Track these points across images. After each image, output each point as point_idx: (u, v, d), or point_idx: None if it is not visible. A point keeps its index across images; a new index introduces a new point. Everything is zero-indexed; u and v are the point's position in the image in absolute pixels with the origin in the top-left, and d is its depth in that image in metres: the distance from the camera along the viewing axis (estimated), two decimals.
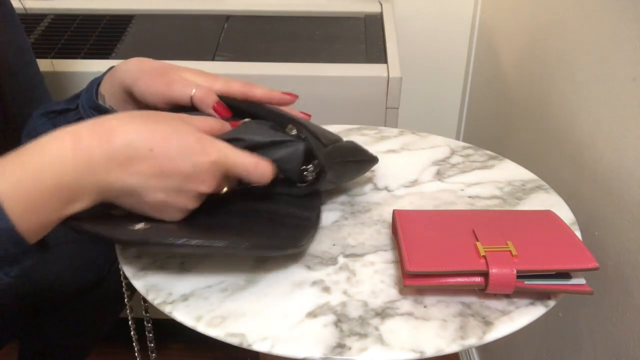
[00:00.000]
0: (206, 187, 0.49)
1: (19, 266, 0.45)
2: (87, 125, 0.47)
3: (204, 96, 0.55)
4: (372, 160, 0.64)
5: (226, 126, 0.54)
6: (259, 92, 0.58)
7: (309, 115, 0.60)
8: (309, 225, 0.56)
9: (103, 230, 0.50)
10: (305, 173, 0.55)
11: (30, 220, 0.44)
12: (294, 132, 0.55)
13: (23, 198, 0.43)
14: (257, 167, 0.51)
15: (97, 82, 0.61)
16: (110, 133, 0.46)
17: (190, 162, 0.48)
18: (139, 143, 0.46)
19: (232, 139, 0.52)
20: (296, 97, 0.60)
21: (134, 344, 0.63)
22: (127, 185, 0.47)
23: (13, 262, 0.45)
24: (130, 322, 0.60)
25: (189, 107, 0.56)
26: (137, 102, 0.58)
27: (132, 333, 0.62)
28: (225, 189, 0.52)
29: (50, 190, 0.44)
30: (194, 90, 0.55)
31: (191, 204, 0.50)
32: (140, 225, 0.50)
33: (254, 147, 0.53)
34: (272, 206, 0.57)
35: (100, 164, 0.45)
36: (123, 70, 0.58)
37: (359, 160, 0.63)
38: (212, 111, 0.56)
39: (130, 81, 0.57)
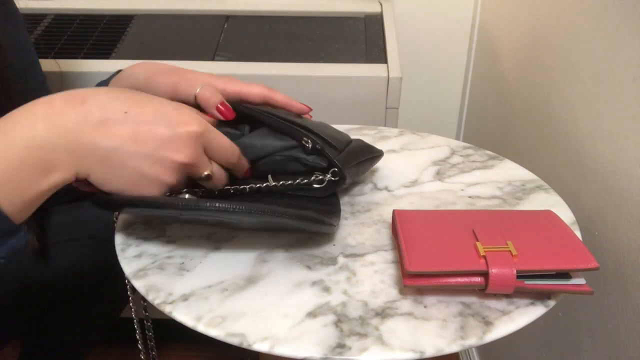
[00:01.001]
0: (183, 157, 0.47)
1: (9, 245, 0.44)
2: (60, 94, 0.46)
3: (208, 95, 0.55)
4: (379, 155, 0.66)
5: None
6: (279, 97, 0.58)
7: (310, 109, 0.61)
8: (335, 214, 0.57)
9: (152, 198, 0.48)
10: (323, 180, 0.57)
11: (8, 193, 0.42)
12: (310, 144, 0.56)
13: None
14: (233, 152, 0.52)
15: (103, 84, 0.61)
16: (84, 98, 0.45)
17: (166, 127, 0.46)
18: (112, 106, 0.45)
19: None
20: (311, 109, 0.61)
21: (139, 343, 0.63)
22: (102, 148, 0.45)
23: (2, 240, 0.43)
24: (135, 322, 0.60)
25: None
26: None
27: (137, 333, 0.62)
28: (207, 172, 0.51)
29: (20, 152, 0.42)
30: (198, 89, 0.55)
31: (167, 175, 0.48)
32: (186, 194, 0.50)
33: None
34: (299, 204, 0.57)
35: (73, 126, 0.44)
36: (131, 73, 0.58)
37: (369, 158, 0.64)
38: (215, 112, 0.55)
39: (138, 84, 0.57)
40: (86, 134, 0.45)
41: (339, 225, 0.59)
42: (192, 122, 0.48)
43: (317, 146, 0.56)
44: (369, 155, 0.63)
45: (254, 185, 0.56)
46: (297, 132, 0.56)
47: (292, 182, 0.57)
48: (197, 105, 0.55)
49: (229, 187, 0.56)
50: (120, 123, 0.45)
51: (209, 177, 0.51)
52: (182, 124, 0.47)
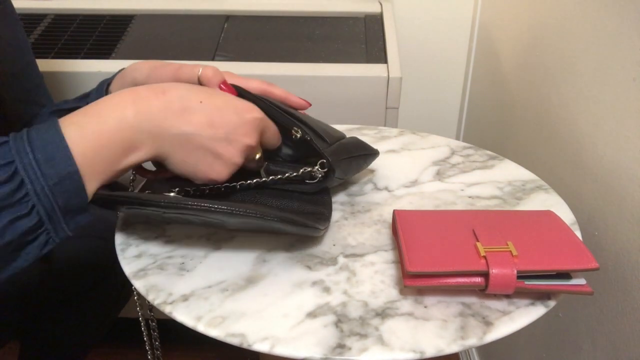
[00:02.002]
0: (250, 140, 0.52)
1: (77, 221, 0.48)
2: (143, 86, 0.51)
3: (211, 75, 0.57)
4: (374, 153, 0.65)
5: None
6: (278, 91, 0.60)
7: (309, 104, 0.62)
8: (324, 217, 0.58)
9: (137, 195, 0.51)
10: (312, 173, 0.57)
11: (92, 166, 0.47)
12: (299, 134, 0.56)
13: (87, 141, 0.46)
14: (280, 137, 0.58)
15: (106, 82, 0.62)
16: (165, 89, 0.51)
17: (236, 114, 0.52)
18: (190, 96, 0.51)
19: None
20: (310, 104, 0.62)
21: (147, 345, 0.63)
22: (182, 132, 0.50)
23: (72, 215, 0.47)
24: (141, 323, 0.60)
25: None
26: None
27: (143, 334, 0.62)
28: (259, 154, 0.55)
29: (111, 132, 0.48)
30: (201, 70, 0.57)
31: (238, 156, 0.52)
32: (173, 192, 0.53)
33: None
34: (286, 203, 0.58)
35: (158, 112, 0.49)
36: (134, 69, 0.60)
37: (363, 155, 0.64)
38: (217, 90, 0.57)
39: (142, 78, 0.59)
40: (168, 120, 0.50)
41: (328, 227, 0.58)
42: (255, 110, 0.54)
43: (306, 137, 0.56)
44: (362, 152, 0.63)
45: (244, 182, 0.57)
46: (288, 121, 0.57)
47: (281, 176, 0.58)
48: (200, 84, 0.57)
49: (220, 185, 0.56)
50: (198, 111, 0.51)
51: (261, 158, 0.56)
52: (248, 111, 0.53)
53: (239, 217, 0.50)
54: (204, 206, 0.48)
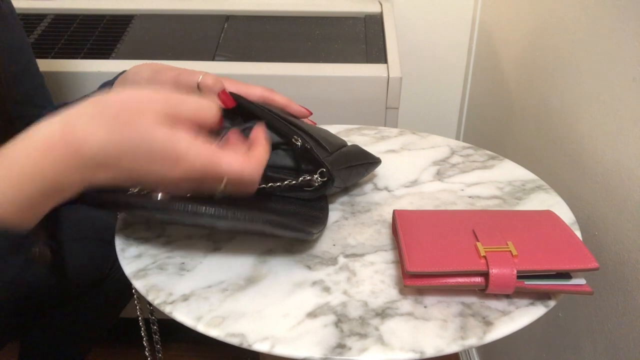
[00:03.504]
0: (183, 188, 0.47)
1: (22, 257, 0.46)
2: (58, 132, 0.45)
3: (211, 83, 0.56)
4: (375, 162, 0.65)
5: (217, 116, 0.49)
6: (279, 99, 0.59)
7: (310, 112, 0.61)
8: (319, 221, 0.57)
9: (123, 197, 0.50)
10: (311, 182, 0.56)
11: (16, 215, 0.44)
12: (299, 142, 0.56)
13: (8, 196, 0.43)
14: (208, 107, 0.47)
15: (108, 84, 0.62)
16: (79, 144, 0.44)
17: (160, 174, 0.45)
18: (106, 153, 0.44)
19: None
20: (311, 113, 0.61)
21: (146, 344, 0.63)
22: (105, 181, 0.45)
23: (14, 251, 0.46)
24: (141, 323, 0.60)
25: None
26: None
27: (142, 334, 0.62)
28: (221, 188, 0.47)
29: (35, 193, 0.44)
30: (201, 77, 0.56)
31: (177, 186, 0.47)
32: (160, 195, 0.49)
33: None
34: (282, 206, 0.57)
35: (73, 173, 0.45)
36: (135, 72, 0.59)
37: (363, 164, 0.63)
38: (216, 98, 0.56)
39: (143, 83, 0.58)
40: (86, 177, 0.45)
41: (322, 231, 0.58)
42: (182, 162, 0.45)
43: (306, 145, 0.55)
44: (363, 160, 0.63)
45: None
46: (288, 129, 0.56)
47: (280, 184, 0.57)
48: (197, 92, 0.56)
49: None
50: (116, 167, 0.45)
51: (225, 186, 0.47)
52: (174, 167, 0.45)
53: (227, 221, 0.48)
54: (192, 209, 0.47)
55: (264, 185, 0.57)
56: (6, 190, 0.43)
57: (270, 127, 0.56)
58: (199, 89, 0.56)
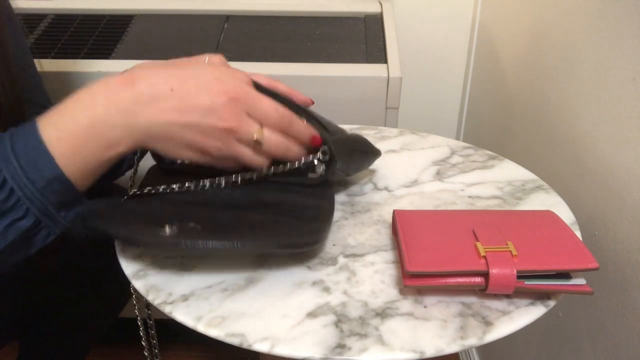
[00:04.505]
0: (224, 123, 0.50)
1: (74, 212, 0.50)
2: (116, 75, 0.51)
3: (217, 61, 0.56)
4: (375, 153, 0.65)
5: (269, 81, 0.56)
6: (281, 87, 0.60)
7: (312, 101, 0.62)
8: (325, 216, 0.56)
9: (128, 232, 0.50)
10: (315, 161, 0.57)
11: (75, 164, 0.48)
12: (304, 122, 0.56)
13: (64, 142, 0.48)
14: (281, 114, 0.53)
15: None
16: (134, 78, 0.50)
17: (207, 98, 0.50)
18: (159, 85, 0.50)
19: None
20: (312, 102, 0.62)
21: (144, 344, 0.63)
22: (154, 125, 0.50)
23: (68, 208, 0.49)
24: (139, 323, 0.60)
25: None
26: None
27: (141, 333, 0.62)
28: (255, 136, 0.52)
29: (85, 130, 0.48)
30: (207, 59, 0.56)
31: (215, 142, 0.51)
32: (167, 229, 0.51)
33: None
34: (287, 197, 0.57)
35: (127, 105, 0.49)
36: (138, 67, 0.60)
37: (365, 152, 0.64)
38: None
39: None
40: (139, 114, 0.49)
41: (329, 230, 0.57)
42: (231, 89, 0.51)
43: (310, 123, 0.56)
44: (365, 148, 0.63)
45: (245, 175, 0.57)
46: (293, 108, 0.56)
47: (282, 167, 0.57)
48: None
49: (220, 180, 0.56)
50: (168, 99, 0.49)
51: (258, 141, 0.52)
52: (221, 93, 0.50)
53: (228, 252, 0.50)
54: (185, 245, 0.48)
55: (268, 171, 0.57)
56: (61, 129, 0.48)
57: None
58: None
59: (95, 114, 0.49)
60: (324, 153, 0.57)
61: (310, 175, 0.58)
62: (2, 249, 0.47)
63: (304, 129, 0.55)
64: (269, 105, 0.53)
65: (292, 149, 0.55)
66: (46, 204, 0.48)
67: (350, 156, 0.60)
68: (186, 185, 0.57)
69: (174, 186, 0.57)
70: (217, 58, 0.56)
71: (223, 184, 0.57)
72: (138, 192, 0.57)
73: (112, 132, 0.49)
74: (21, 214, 0.47)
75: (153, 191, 0.57)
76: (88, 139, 0.48)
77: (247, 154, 0.53)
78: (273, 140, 0.53)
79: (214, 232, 0.51)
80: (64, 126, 0.48)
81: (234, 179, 0.57)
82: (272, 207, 0.56)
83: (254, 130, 0.52)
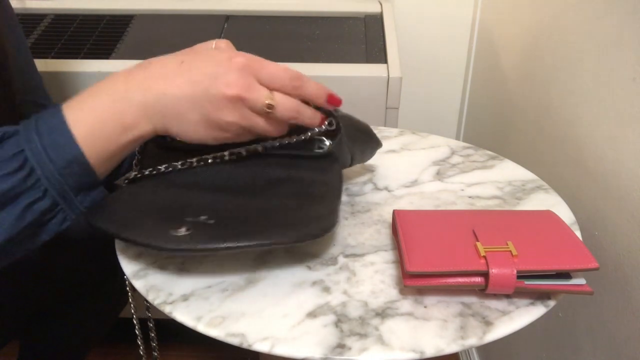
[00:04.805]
0: (232, 89, 0.49)
1: (91, 197, 0.51)
2: (135, 65, 0.53)
3: (224, 47, 0.56)
4: (377, 142, 0.65)
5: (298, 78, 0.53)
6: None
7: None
8: (334, 194, 0.55)
9: (142, 237, 0.49)
10: (320, 130, 0.56)
11: (95, 146, 0.49)
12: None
13: (85, 121, 0.49)
14: (291, 75, 0.52)
15: None
16: (151, 61, 0.52)
17: (214, 65, 0.50)
18: (170, 60, 0.52)
19: None
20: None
21: (140, 343, 0.63)
22: (167, 98, 0.50)
23: (85, 192, 0.50)
24: (135, 322, 0.60)
25: None
26: None
27: (137, 332, 0.62)
28: (267, 101, 0.50)
29: (106, 106, 0.49)
30: (214, 45, 0.56)
31: (226, 112, 0.50)
32: (182, 231, 0.50)
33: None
34: (295, 173, 0.57)
35: (143, 81, 0.50)
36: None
37: (367, 137, 0.63)
38: None
39: None
40: (152, 87, 0.50)
41: (337, 216, 0.54)
42: (238, 56, 0.51)
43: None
44: (367, 132, 0.63)
45: (250, 147, 0.56)
46: None
47: (288, 140, 0.56)
48: None
49: (224, 153, 0.56)
50: (178, 73, 0.50)
51: (270, 106, 0.51)
52: (228, 59, 0.50)
53: (249, 249, 0.50)
54: (195, 250, 0.48)
55: (274, 143, 0.56)
56: (83, 108, 0.49)
57: None
58: None
59: (116, 90, 0.50)
60: (330, 124, 0.56)
61: (317, 150, 0.57)
62: (19, 231, 0.47)
63: (318, 88, 0.54)
64: (276, 67, 0.51)
65: (306, 112, 0.53)
66: (64, 185, 0.48)
67: (354, 135, 0.60)
68: (188, 161, 0.56)
69: (177, 164, 0.56)
70: (223, 43, 0.56)
71: (227, 157, 0.56)
72: (139, 175, 0.56)
73: (130, 109, 0.50)
74: (40, 194, 0.48)
75: (155, 172, 0.56)
76: (107, 117, 0.49)
77: (260, 123, 0.52)
78: (286, 103, 0.52)
79: (226, 227, 0.50)
80: (86, 105, 0.49)
81: (237, 152, 0.56)
82: (280, 185, 0.55)
83: (264, 95, 0.50)
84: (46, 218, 0.49)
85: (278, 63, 0.52)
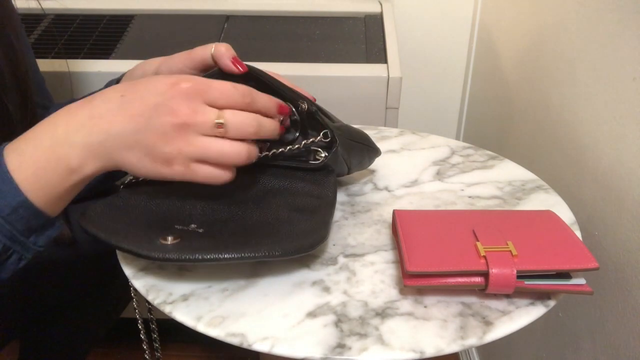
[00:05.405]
0: (177, 117, 0.47)
1: (45, 236, 0.50)
2: (76, 101, 0.50)
3: (224, 50, 0.55)
4: (375, 150, 0.65)
5: (248, 96, 0.50)
6: (285, 82, 0.59)
7: (314, 99, 0.61)
8: (326, 209, 0.55)
9: (130, 245, 0.49)
10: (315, 142, 0.56)
11: (40, 190, 0.47)
12: (305, 105, 0.56)
13: (27, 167, 0.47)
14: (241, 92, 0.49)
15: (114, 81, 0.62)
16: (94, 96, 0.50)
17: (155, 95, 0.47)
18: (112, 95, 0.49)
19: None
20: (315, 100, 0.61)
21: (144, 346, 0.63)
22: (111, 135, 0.47)
23: (38, 233, 0.49)
24: (140, 326, 0.60)
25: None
26: None
27: (141, 335, 0.62)
28: (216, 120, 0.48)
29: (46, 152, 0.47)
30: (213, 49, 0.56)
31: (176, 142, 0.47)
32: (169, 239, 0.49)
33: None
34: (289, 185, 0.57)
35: (84, 121, 0.48)
36: (145, 63, 0.60)
37: (366, 145, 0.63)
38: (230, 64, 0.55)
39: (151, 70, 0.59)
40: (94, 128, 0.48)
41: (329, 227, 0.55)
42: (182, 81, 0.48)
43: (312, 108, 0.56)
44: (365, 141, 0.63)
45: None
46: (296, 95, 0.56)
47: (283, 149, 0.56)
48: (215, 62, 0.56)
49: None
50: (119, 107, 0.48)
51: (220, 125, 0.48)
52: (171, 87, 0.48)
53: (238, 261, 0.49)
54: (180, 260, 0.47)
55: (267, 153, 0.56)
56: (24, 154, 0.47)
57: (278, 93, 0.56)
58: (213, 60, 0.56)
59: (55, 135, 0.47)
60: (325, 136, 0.56)
61: (312, 162, 0.57)
62: None
63: (269, 100, 0.52)
64: (224, 86, 0.49)
65: (264, 124, 0.51)
66: (13, 231, 0.47)
67: (350, 145, 0.60)
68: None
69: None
70: (223, 46, 0.55)
71: None
72: (134, 180, 0.57)
73: (73, 152, 0.47)
74: None
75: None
76: (50, 162, 0.47)
77: (218, 145, 0.48)
78: (238, 119, 0.49)
79: (214, 238, 0.50)
80: (26, 151, 0.47)
81: None
82: (273, 196, 0.55)
83: (211, 117, 0.48)
84: (1, 259, 0.48)
85: (225, 82, 0.50)
